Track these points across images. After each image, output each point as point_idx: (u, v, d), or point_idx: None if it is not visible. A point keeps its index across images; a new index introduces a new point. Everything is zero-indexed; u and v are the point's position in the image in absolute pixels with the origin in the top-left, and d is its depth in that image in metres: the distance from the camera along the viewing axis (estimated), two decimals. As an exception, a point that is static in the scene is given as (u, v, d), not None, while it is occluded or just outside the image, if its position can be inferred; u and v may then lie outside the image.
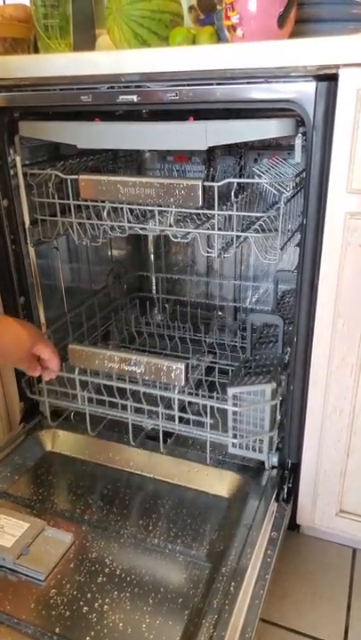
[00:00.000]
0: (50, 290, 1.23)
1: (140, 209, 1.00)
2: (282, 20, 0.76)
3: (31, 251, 1.12)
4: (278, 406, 0.99)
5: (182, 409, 1.04)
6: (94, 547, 0.90)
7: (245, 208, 1.04)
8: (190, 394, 1.09)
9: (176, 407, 1.02)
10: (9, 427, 1.19)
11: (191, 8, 1.16)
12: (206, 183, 0.88)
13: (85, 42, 1.31)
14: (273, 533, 0.90)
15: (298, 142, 0.84)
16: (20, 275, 1.11)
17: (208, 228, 0.99)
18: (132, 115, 1.11)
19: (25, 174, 1.05)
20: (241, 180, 0.89)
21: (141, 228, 1.00)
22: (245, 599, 0.76)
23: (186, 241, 0.99)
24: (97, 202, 1.03)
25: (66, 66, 0.88)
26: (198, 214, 1.02)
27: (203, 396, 1.05)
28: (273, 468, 1.03)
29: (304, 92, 0.75)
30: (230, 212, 0.92)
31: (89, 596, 0.81)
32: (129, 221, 0.99)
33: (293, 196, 0.96)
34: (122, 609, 0.79)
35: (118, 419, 1.11)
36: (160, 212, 0.96)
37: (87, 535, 0.92)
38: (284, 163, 1.11)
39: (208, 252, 1.00)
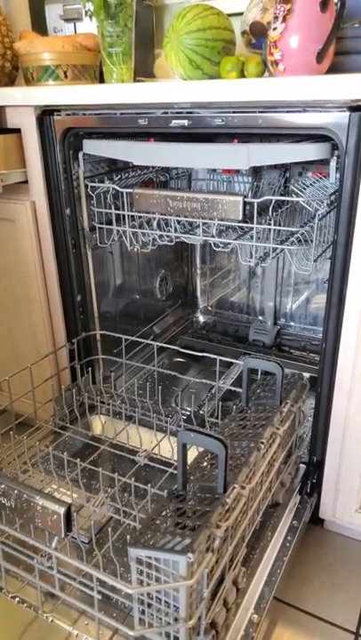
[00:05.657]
0: (103, 289, 1.36)
1: (186, 220, 1.10)
2: (320, 57, 0.84)
3: (89, 254, 1.25)
4: (205, 584, 0.67)
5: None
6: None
7: (286, 220, 1.12)
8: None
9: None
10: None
11: (244, 33, 1.25)
12: (247, 199, 0.98)
13: (146, 62, 1.44)
14: (294, 522, 0.98)
15: (332, 164, 0.91)
16: (79, 275, 1.24)
17: (248, 240, 1.08)
18: (182, 135, 1.22)
19: (86, 186, 1.18)
20: (278, 198, 0.98)
21: (187, 237, 1.11)
22: (263, 575, 0.85)
23: (227, 250, 1.08)
24: (148, 212, 1.14)
25: (126, 94, 0.99)
26: (239, 226, 1.11)
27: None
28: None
29: (338, 121, 0.83)
30: (268, 226, 1.01)
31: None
32: (176, 231, 1.10)
33: (327, 213, 1.03)
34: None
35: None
36: (204, 224, 1.06)
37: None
38: (327, 178, 1.18)
39: (247, 261, 1.09)
